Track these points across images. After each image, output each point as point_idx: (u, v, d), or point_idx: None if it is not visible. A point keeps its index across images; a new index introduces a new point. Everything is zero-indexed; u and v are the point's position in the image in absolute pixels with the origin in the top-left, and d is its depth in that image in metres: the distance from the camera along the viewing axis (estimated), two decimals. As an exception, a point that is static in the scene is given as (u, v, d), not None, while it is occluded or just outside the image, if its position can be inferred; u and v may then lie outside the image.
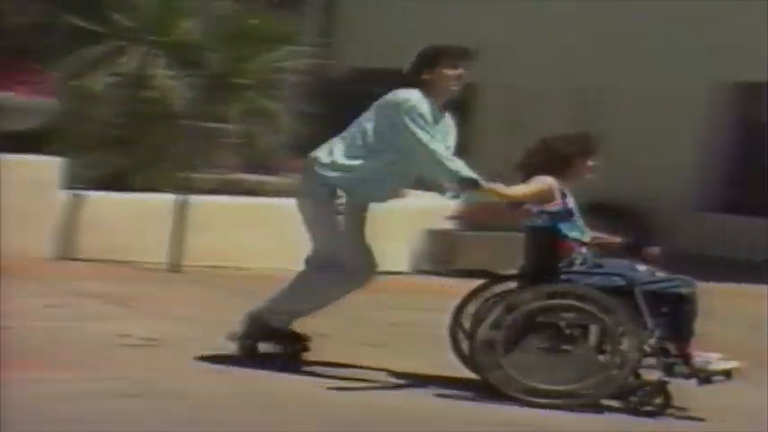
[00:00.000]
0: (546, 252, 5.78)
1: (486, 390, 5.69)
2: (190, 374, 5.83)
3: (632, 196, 13.98)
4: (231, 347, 6.46)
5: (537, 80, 15.58)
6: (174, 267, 9.44)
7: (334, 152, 5.92)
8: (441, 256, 10.33)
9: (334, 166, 5.87)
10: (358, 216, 5.98)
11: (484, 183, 5.77)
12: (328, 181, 5.87)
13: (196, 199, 9.68)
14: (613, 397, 5.67)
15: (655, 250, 6.01)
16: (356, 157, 5.85)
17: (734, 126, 14.40)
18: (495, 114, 16.31)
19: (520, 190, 5.80)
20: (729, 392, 5.78)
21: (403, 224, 10.37)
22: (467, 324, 6.02)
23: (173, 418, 4.94)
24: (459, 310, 6.09)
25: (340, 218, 5.90)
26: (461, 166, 5.79)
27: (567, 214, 5.79)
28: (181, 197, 9.62)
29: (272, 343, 6.11)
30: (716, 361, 5.67)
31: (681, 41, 14.38)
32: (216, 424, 4.93)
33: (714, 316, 6.83)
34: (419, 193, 11.69)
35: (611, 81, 14.90)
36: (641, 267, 5.75)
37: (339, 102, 18.29)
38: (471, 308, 6.03)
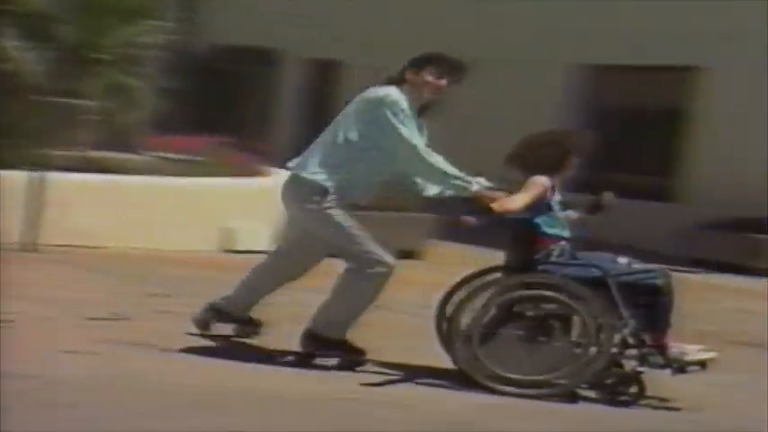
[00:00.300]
0: (523, 244, 5.79)
1: (462, 379, 5.72)
2: (47, 355, 5.71)
3: (486, 176, 14.20)
4: (89, 327, 6.34)
5: (397, 58, 15.71)
6: (31, 246, 9.21)
7: (316, 155, 5.85)
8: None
9: (320, 169, 5.79)
10: (349, 214, 5.88)
11: (492, 196, 5.76)
12: (318, 185, 5.78)
13: (53, 176, 9.45)
14: (589, 387, 5.73)
15: (609, 195, 6.11)
16: (342, 158, 5.77)
17: (588, 107, 14.74)
18: (359, 91, 16.38)
19: (522, 200, 5.75)
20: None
21: (266, 203, 10.33)
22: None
23: (30, 400, 4.84)
24: (444, 301, 6.09)
25: (340, 218, 5.80)
26: (442, 163, 5.76)
27: (546, 208, 5.81)
28: (37, 174, 9.38)
29: (331, 354, 5.97)
30: (693, 352, 5.74)
31: (539, 21, 14.63)
32: (71, 406, 4.84)
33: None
34: (282, 171, 11.70)
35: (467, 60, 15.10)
36: (621, 260, 5.80)
37: (201, 78, 18.14)
38: (456, 298, 6.04)
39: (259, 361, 5.97)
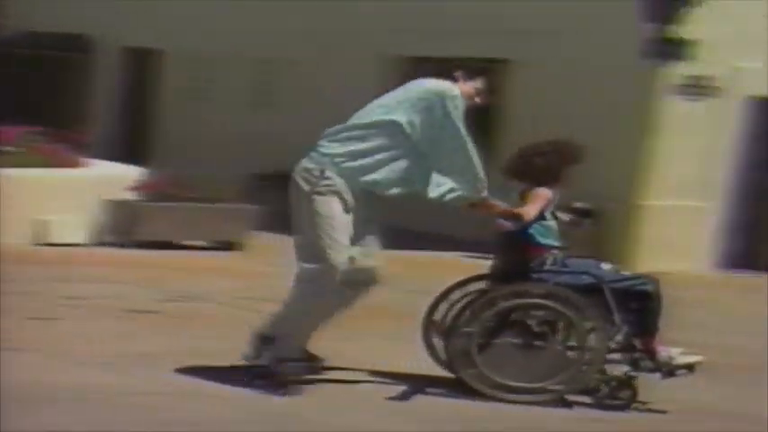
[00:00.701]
0: (517, 253, 5.83)
1: (458, 386, 5.69)
2: None
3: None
4: None
5: (217, 48, 15.58)
6: None
7: (343, 136, 5.52)
8: (121, 227, 10.13)
9: (338, 148, 5.47)
10: (348, 205, 5.45)
11: (496, 204, 5.69)
12: (327, 161, 5.45)
13: None
14: (581, 392, 5.78)
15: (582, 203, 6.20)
16: (376, 143, 5.46)
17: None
18: (180, 82, 16.16)
19: (535, 210, 5.77)
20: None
21: (81, 195, 10.10)
22: (439, 322, 5.95)
23: None
24: (432, 309, 5.99)
25: (326, 206, 5.41)
26: (479, 165, 5.52)
27: (539, 218, 5.79)
28: None
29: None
30: (678, 355, 5.82)
31: (355, 15, 14.75)
32: None
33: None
34: (98, 161, 11.45)
35: (285, 52, 15.10)
36: (605, 266, 5.91)
37: (10, 66, 17.53)
38: (443, 306, 5.96)
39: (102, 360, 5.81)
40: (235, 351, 6.03)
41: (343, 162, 5.45)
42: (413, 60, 14.43)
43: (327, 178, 5.41)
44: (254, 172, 14.40)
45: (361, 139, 5.49)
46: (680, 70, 11.92)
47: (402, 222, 12.36)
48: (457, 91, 5.55)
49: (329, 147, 5.50)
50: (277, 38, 15.26)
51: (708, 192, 12.23)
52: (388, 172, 5.48)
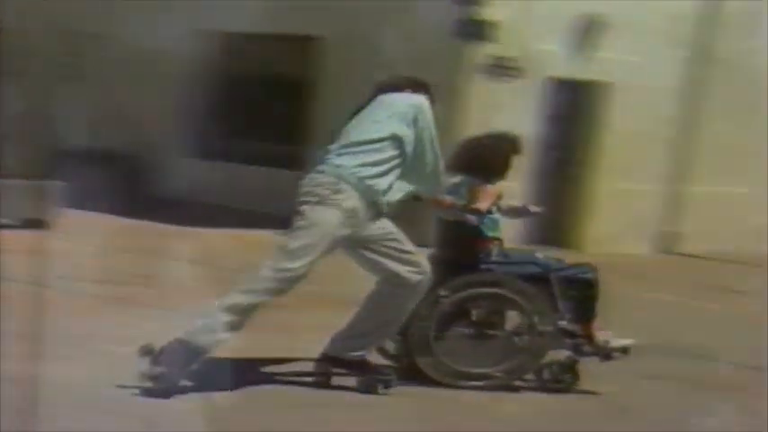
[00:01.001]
0: (466, 246, 6.03)
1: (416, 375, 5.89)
2: None
3: (120, 142, 14.06)
4: None
5: (25, 19, 15.13)
6: None
7: (351, 152, 5.71)
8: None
9: (349, 163, 5.66)
10: (350, 218, 5.61)
11: (448, 200, 5.95)
12: (340, 175, 5.63)
13: None
14: (527, 377, 6.09)
15: (535, 208, 6.54)
16: (379, 157, 5.69)
17: (217, 75, 14.91)
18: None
19: (486, 206, 6.04)
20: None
21: None
22: None
23: None
24: None
25: (317, 218, 5.58)
26: (444, 172, 5.88)
27: (487, 212, 6.05)
28: None
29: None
30: (612, 339, 6.13)
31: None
32: None
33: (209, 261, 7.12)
34: None
35: (96, 26, 14.82)
36: (538, 255, 6.25)
37: None
38: None
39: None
40: (42, 333, 5.98)
41: (358, 172, 5.66)
42: (227, 35, 14.41)
43: (339, 192, 5.61)
44: (63, 147, 14.12)
45: (366, 152, 5.73)
46: (485, 51, 12.32)
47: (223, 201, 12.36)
48: (428, 105, 5.89)
49: (339, 159, 5.72)
50: (88, 10, 14.93)
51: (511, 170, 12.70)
52: (388, 181, 5.76)
